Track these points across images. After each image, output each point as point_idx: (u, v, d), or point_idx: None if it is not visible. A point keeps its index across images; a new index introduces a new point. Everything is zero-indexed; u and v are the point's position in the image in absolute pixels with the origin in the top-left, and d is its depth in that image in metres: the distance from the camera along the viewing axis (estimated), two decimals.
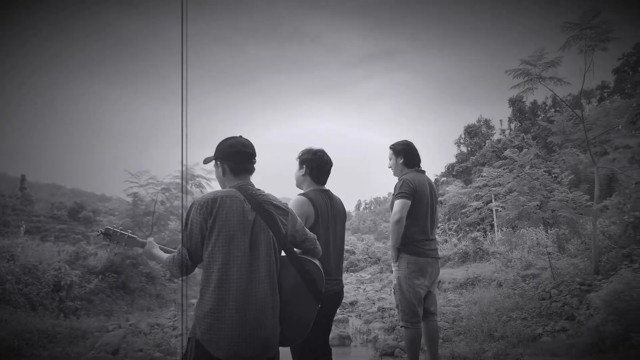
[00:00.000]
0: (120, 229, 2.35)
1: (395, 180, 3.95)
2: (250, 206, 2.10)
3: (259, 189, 2.23)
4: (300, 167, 3.11)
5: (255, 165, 2.31)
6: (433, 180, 4.06)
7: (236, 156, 2.24)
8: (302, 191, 3.07)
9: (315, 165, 3.05)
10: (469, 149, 41.48)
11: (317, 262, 2.31)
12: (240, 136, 2.30)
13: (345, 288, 14.59)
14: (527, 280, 8.88)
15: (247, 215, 2.07)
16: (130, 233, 2.38)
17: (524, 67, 7.00)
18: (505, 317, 6.86)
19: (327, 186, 3.14)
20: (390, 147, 4.10)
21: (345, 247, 25.07)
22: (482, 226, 22.40)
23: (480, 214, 22.75)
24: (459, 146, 43.14)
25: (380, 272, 19.16)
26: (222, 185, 2.30)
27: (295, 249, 2.31)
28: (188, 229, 2.10)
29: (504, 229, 13.26)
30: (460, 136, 43.19)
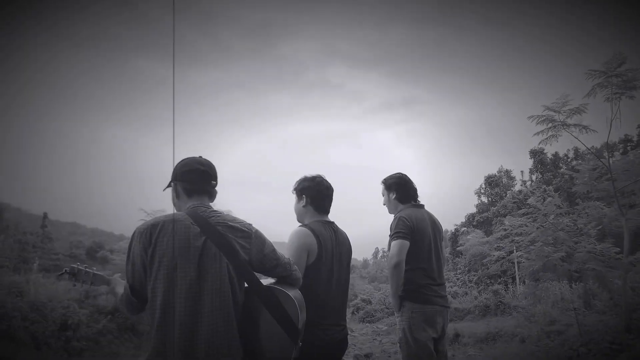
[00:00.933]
0: (86, 267, 2.19)
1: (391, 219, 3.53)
2: (199, 229, 1.84)
3: (216, 210, 1.98)
4: (299, 198, 2.79)
5: (216, 189, 2.09)
6: (438, 220, 3.62)
7: (189, 175, 2.02)
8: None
9: (315, 192, 2.74)
10: (490, 199, 40.97)
11: (290, 293, 1.97)
12: (200, 156, 2.10)
13: (361, 339, 14.13)
14: (552, 337, 8.41)
15: (194, 241, 1.82)
16: (96, 270, 2.22)
17: (548, 113, 6.84)
18: None
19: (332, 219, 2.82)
20: (382, 182, 3.69)
21: (362, 296, 24.66)
22: (503, 279, 21.72)
23: (501, 265, 22.12)
24: (479, 196, 42.67)
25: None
26: (178, 210, 2.05)
27: (266, 279, 2.08)
28: (130, 261, 1.87)
29: (527, 281, 12.78)
30: (481, 186, 42.79)
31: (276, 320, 1.92)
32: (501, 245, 21.28)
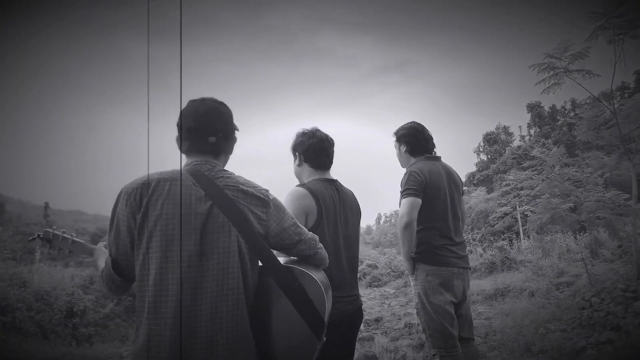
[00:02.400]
0: (63, 232, 1.80)
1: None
2: (204, 193, 1.48)
3: (224, 170, 1.61)
4: (294, 157, 2.47)
5: (227, 142, 1.67)
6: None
7: (184, 132, 1.63)
8: None
9: (308, 146, 2.39)
10: (489, 157, 40.91)
11: (315, 275, 1.59)
12: (209, 98, 1.67)
13: (370, 304, 14.17)
14: (562, 288, 8.39)
15: (197, 206, 1.45)
16: (76, 237, 1.83)
17: (549, 60, 6.57)
18: (543, 329, 6.38)
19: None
20: (393, 134, 3.31)
21: (368, 261, 24.73)
22: (507, 234, 21.76)
23: (504, 222, 22.13)
24: (478, 154, 42.61)
25: (405, 286, 18.62)
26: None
27: (285, 257, 1.71)
28: (113, 228, 1.49)
29: (533, 235, 12.72)
30: (480, 144, 42.67)
31: (296, 309, 1.54)
32: (503, 201, 21.22)
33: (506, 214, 21.76)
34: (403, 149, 3.21)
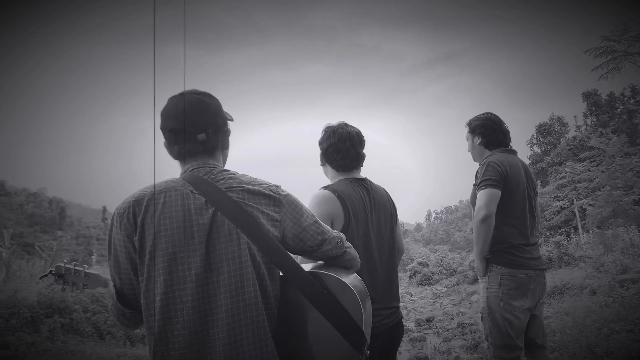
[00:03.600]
0: (75, 265, 1.70)
1: (476, 167, 2.92)
2: (204, 199, 1.31)
3: (225, 170, 1.42)
4: (321, 157, 2.25)
5: (222, 140, 1.49)
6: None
7: (169, 135, 1.43)
8: None
9: (329, 145, 2.15)
10: (543, 148, 39.56)
11: (345, 279, 1.36)
12: (193, 92, 1.47)
13: (421, 303, 13.92)
14: (626, 286, 7.92)
15: (198, 216, 1.29)
16: (88, 269, 1.71)
17: (607, 44, 6.18)
18: (607, 329, 6.02)
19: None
20: (466, 125, 3.09)
21: (419, 259, 24.34)
22: (564, 229, 20.90)
23: (561, 216, 21.26)
24: (531, 147, 41.30)
25: (457, 285, 18.22)
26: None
27: (311, 262, 1.51)
28: (112, 256, 1.32)
29: (592, 230, 12.11)
30: (533, 136, 41.36)
31: (329, 321, 1.31)
32: (559, 194, 20.39)
33: (563, 208, 20.88)
34: (477, 141, 2.97)
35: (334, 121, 2.23)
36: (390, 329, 2.01)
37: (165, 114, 1.42)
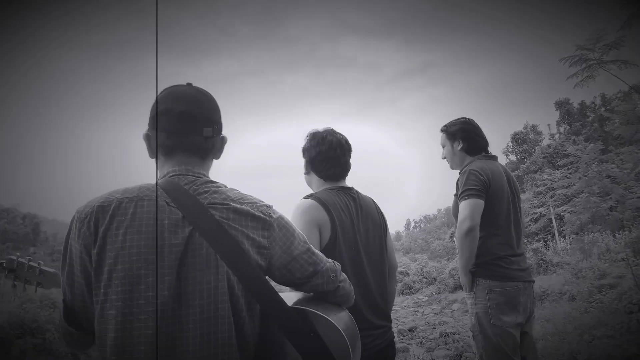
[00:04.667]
0: (29, 260, 1.52)
1: (454, 176, 2.76)
2: (182, 215, 1.09)
3: (211, 182, 1.20)
4: (306, 165, 2.09)
5: (217, 141, 1.26)
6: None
7: (164, 119, 1.18)
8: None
9: (317, 153, 1.98)
10: (518, 157, 40.14)
11: (335, 320, 1.18)
12: (189, 84, 1.27)
13: (403, 312, 13.88)
14: (604, 291, 7.99)
15: (172, 233, 1.07)
16: (44, 266, 1.53)
17: (581, 52, 6.26)
18: (588, 335, 6.04)
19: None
20: (442, 131, 2.89)
21: (400, 268, 24.30)
22: (541, 236, 21.15)
23: (538, 223, 21.53)
24: (507, 155, 41.90)
25: (438, 293, 18.26)
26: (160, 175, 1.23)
27: (294, 297, 1.28)
28: (66, 264, 1.10)
29: (570, 236, 12.24)
30: (508, 144, 41.95)
31: None
32: (536, 202, 20.65)
33: (541, 216, 21.15)
34: (458, 146, 2.79)
35: (320, 127, 2.07)
36: (381, 351, 1.85)
37: (172, 97, 1.20)
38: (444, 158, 2.91)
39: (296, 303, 1.23)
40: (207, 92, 1.26)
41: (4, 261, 1.52)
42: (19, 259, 1.53)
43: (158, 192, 1.11)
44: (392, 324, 2.04)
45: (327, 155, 1.97)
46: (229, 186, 1.23)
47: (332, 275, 1.26)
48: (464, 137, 2.77)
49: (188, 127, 1.19)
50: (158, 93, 1.21)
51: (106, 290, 1.03)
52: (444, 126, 2.89)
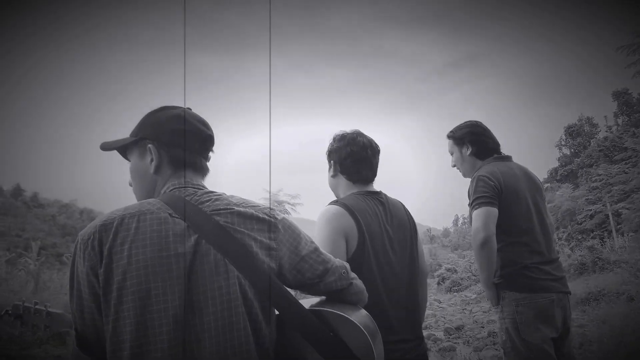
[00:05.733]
0: (36, 304, 1.54)
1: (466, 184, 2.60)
2: (186, 224, 1.10)
3: (211, 192, 1.21)
4: (329, 166, 2.00)
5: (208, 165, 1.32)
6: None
7: (182, 135, 1.24)
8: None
9: (347, 154, 1.90)
10: (572, 150, 38.65)
11: (354, 317, 1.17)
12: (189, 108, 1.31)
13: (450, 310, 13.63)
14: None
15: (177, 244, 1.07)
16: (51, 308, 1.53)
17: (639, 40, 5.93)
18: None
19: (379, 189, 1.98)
20: (449, 137, 2.74)
21: (447, 265, 23.99)
22: (597, 232, 20.27)
23: (593, 219, 20.65)
24: (560, 149, 40.38)
25: None
26: (143, 191, 1.28)
27: (307, 297, 1.31)
28: (74, 292, 1.09)
29: (628, 234, 11.66)
30: (561, 138, 40.47)
31: None
32: (591, 197, 19.80)
33: (597, 212, 20.27)
34: (467, 151, 2.64)
35: (346, 129, 2.01)
36: None
37: (196, 119, 1.28)
38: (454, 166, 2.77)
39: (311, 305, 1.22)
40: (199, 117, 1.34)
41: (10, 309, 1.53)
42: (25, 304, 1.54)
43: (160, 205, 1.13)
44: (440, 322, 1.95)
45: (359, 156, 1.90)
46: (231, 193, 1.25)
47: (343, 272, 1.26)
48: (472, 141, 2.63)
49: (206, 150, 1.30)
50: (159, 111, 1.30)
51: (117, 308, 1.02)
52: (450, 132, 2.74)
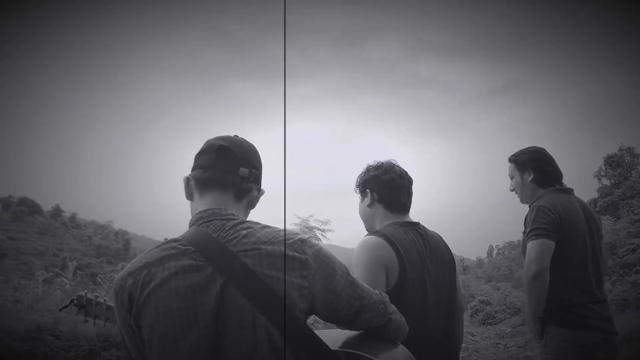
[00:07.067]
0: (96, 297, 1.61)
1: (524, 210, 2.54)
2: (211, 268, 1.06)
3: (240, 222, 1.15)
4: (363, 196, 1.96)
5: (256, 187, 1.28)
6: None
7: (202, 157, 1.23)
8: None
9: (385, 181, 1.87)
10: (612, 181, 37.52)
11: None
12: (235, 135, 1.29)
13: (484, 344, 13.18)
14: None
15: (204, 291, 1.04)
16: (110, 301, 1.57)
17: None
18: None
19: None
20: (510, 160, 2.66)
21: (480, 297, 23.38)
22: (639, 267, 19.47)
23: (634, 252, 19.87)
24: (599, 179, 39.23)
25: (523, 325, 17.25)
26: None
27: (343, 337, 1.21)
28: (122, 339, 1.15)
29: None
30: (600, 168, 39.35)
31: None
32: (633, 230, 19.10)
33: (639, 246, 19.54)
34: (529, 177, 2.56)
35: (381, 159, 1.98)
36: None
37: (215, 137, 1.26)
38: (513, 190, 2.70)
39: (345, 343, 1.16)
40: (253, 144, 1.29)
41: (75, 298, 1.62)
42: (87, 296, 1.62)
43: (184, 249, 1.09)
44: (473, 356, 1.89)
45: (397, 184, 1.88)
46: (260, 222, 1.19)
47: (381, 308, 1.17)
48: (535, 168, 2.56)
49: (225, 163, 1.20)
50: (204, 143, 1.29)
51: (150, 356, 1.04)
52: (513, 155, 2.68)
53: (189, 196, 1.26)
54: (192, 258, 1.07)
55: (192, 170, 1.26)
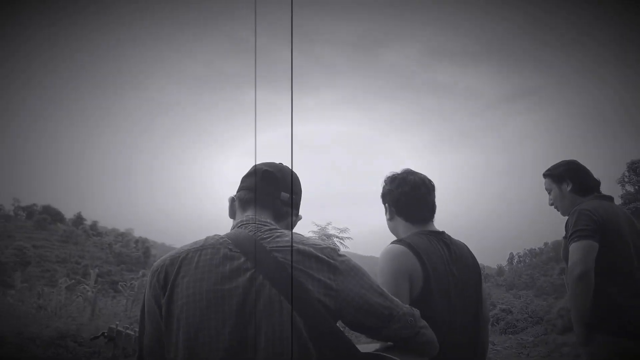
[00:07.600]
0: (126, 329, 1.60)
1: (562, 222, 2.51)
2: (243, 258, 1.12)
3: (275, 229, 1.23)
4: (385, 209, 1.94)
5: (294, 211, 1.38)
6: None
7: (247, 179, 1.36)
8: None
9: (399, 195, 1.84)
10: (636, 187, 36.79)
11: None
12: (280, 163, 1.39)
13: (505, 354, 12.99)
14: None
15: (232, 278, 1.10)
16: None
17: None
18: None
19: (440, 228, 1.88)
20: (546, 175, 2.65)
21: (501, 306, 22.97)
22: None
23: None
24: (623, 186, 38.50)
25: (545, 334, 16.92)
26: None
27: (371, 348, 1.20)
28: (141, 319, 1.19)
29: None
30: (624, 174, 38.63)
31: None
32: None
33: None
34: (568, 187, 2.55)
35: (397, 169, 1.94)
36: None
37: (262, 163, 1.37)
38: (552, 204, 2.66)
39: (375, 350, 1.16)
40: (295, 172, 1.39)
41: (106, 331, 1.63)
42: (118, 328, 1.63)
43: (222, 241, 1.18)
44: None
45: (412, 196, 1.82)
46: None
47: (410, 320, 1.17)
48: (573, 177, 2.55)
49: (268, 187, 1.31)
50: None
51: (177, 339, 1.09)
52: (547, 170, 2.66)
53: (232, 215, 1.37)
54: (228, 248, 1.15)
55: (237, 192, 1.37)
